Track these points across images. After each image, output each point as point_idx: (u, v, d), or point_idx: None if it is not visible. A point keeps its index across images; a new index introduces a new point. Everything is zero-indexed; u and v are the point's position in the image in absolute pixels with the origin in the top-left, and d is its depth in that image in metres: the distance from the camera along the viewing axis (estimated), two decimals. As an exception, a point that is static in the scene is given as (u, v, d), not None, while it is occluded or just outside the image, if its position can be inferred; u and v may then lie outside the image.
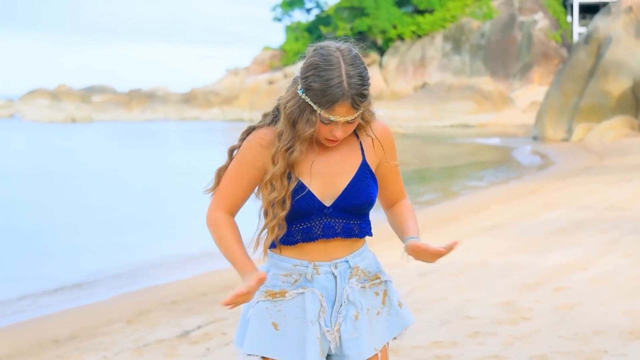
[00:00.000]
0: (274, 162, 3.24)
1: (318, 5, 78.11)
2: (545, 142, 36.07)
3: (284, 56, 74.52)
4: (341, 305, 3.31)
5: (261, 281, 3.14)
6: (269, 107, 3.41)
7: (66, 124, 64.04)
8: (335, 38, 3.37)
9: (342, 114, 3.16)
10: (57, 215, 18.68)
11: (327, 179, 3.29)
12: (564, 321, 7.15)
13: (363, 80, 3.21)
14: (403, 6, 71.69)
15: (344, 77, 3.16)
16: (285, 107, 3.23)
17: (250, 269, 3.23)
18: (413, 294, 8.43)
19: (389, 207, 3.53)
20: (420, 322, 7.14)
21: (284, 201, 3.24)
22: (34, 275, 12.31)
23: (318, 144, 3.30)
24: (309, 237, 3.28)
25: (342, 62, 3.19)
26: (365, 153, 3.34)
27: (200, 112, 70.16)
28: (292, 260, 3.32)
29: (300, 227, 3.29)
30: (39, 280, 11.87)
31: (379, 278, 3.41)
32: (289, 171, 3.24)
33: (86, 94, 74.84)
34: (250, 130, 3.35)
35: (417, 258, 3.35)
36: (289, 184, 3.23)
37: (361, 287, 3.35)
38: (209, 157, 35.16)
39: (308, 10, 78.62)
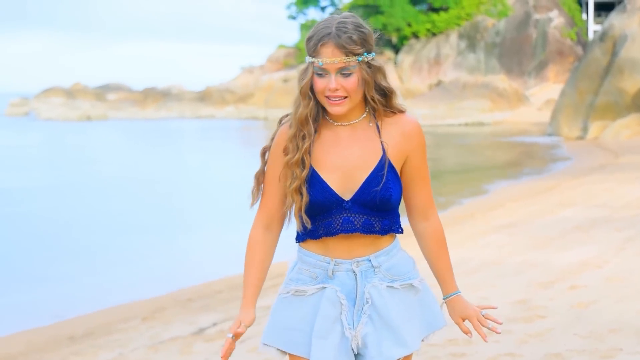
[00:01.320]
0: (285, 151, 3.27)
1: (333, 3, 78.07)
2: (561, 140, 35.96)
3: (299, 54, 74.51)
4: (364, 305, 3.28)
5: (237, 335, 3.26)
6: (283, 105, 3.41)
7: (81, 122, 64.18)
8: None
9: (328, 55, 3.15)
10: (73, 215, 18.71)
11: (346, 173, 3.25)
12: (579, 319, 7.13)
13: (355, 27, 3.19)
14: (418, 4, 71.62)
15: (334, 22, 3.19)
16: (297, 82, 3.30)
17: (245, 307, 3.33)
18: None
19: (419, 221, 3.43)
20: (435, 320, 7.13)
21: (300, 190, 3.24)
22: (51, 274, 12.36)
23: (336, 137, 3.29)
24: (329, 231, 3.26)
25: (336, 16, 3.24)
26: (386, 148, 3.27)
27: (215, 110, 70.19)
28: (316, 255, 3.31)
29: (322, 222, 3.27)
30: (55, 280, 11.92)
31: (409, 279, 3.37)
32: (303, 158, 3.24)
33: (101, 92, 75.01)
34: (278, 128, 3.37)
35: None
36: (302, 172, 3.23)
37: (388, 286, 3.31)
38: (225, 155, 35.18)
39: (323, 8, 78.60)
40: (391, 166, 3.27)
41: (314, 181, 3.25)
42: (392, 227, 3.32)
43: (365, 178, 3.24)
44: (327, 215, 3.27)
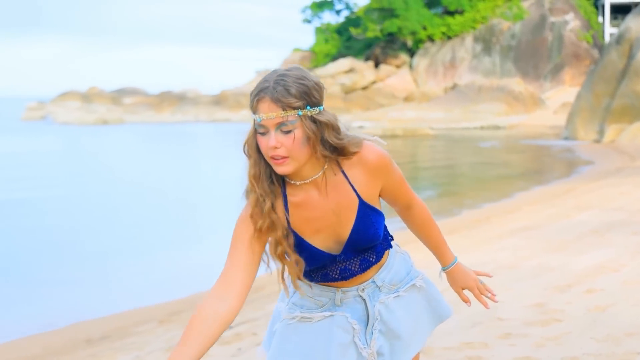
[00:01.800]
0: (253, 218, 3.10)
1: (348, 7, 78.11)
2: (577, 144, 35.86)
3: (314, 58, 74.60)
4: (374, 322, 3.27)
5: None
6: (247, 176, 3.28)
7: (97, 125, 64.38)
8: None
9: (264, 111, 2.93)
10: (90, 220, 18.77)
11: (330, 232, 3.15)
12: (596, 323, 7.11)
13: (295, 79, 2.97)
14: (433, 7, 71.59)
15: (274, 76, 2.99)
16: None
17: None
18: (443, 295, 8.40)
19: (404, 211, 3.41)
20: (452, 324, 7.13)
21: (285, 254, 3.12)
22: (68, 278, 12.40)
23: (306, 196, 3.13)
24: (327, 279, 3.24)
25: (280, 69, 3.04)
26: (358, 190, 3.13)
27: (230, 113, 70.29)
28: (320, 286, 3.29)
29: (318, 274, 3.24)
30: (72, 283, 11.96)
31: (411, 280, 3.39)
32: (273, 220, 3.08)
33: (117, 96, 75.22)
34: None
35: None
36: (281, 235, 3.09)
37: (395, 297, 3.32)
38: (240, 160, 35.26)
39: (338, 12, 78.64)
40: (369, 207, 3.17)
41: (302, 248, 3.14)
42: (385, 247, 3.31)
43: (350, 231, 3.15)
44: (322, 268, 3.22)
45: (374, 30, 68.46)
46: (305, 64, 75.07)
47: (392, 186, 3.23)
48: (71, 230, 17.16)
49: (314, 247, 3.13)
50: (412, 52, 71.55)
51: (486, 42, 69.77)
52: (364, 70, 68.52)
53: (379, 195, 3.24)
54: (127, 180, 26.65)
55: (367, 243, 3.18)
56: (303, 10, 79.58)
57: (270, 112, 2.94)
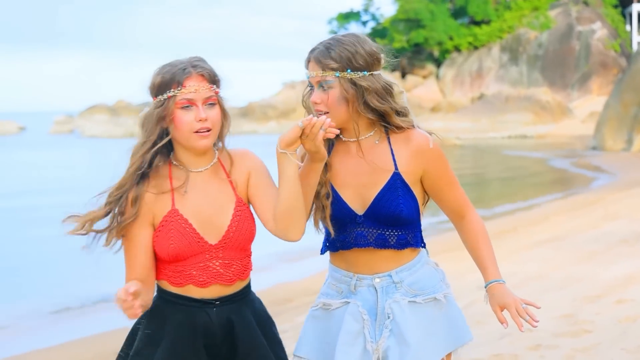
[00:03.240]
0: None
1: (374, 18, 78.17)
2: (605, 153, 35.67)
3: (340, 69, 74.57)
4: (385, 319, 3.30)
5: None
6: None
7: (125, 138, 64.68)
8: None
9: (309, 69, 3.31)
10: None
11: (358, 189, 3.30)
12: (627, 334, 7.06)
13: (341, 44, 3.26)
14: (459, 17, 71.45)
15: (325, 40, 3.32)
16: None
17: None
18: (473, 307, 8.38)
19: (457, 221, 3.46)
20: (481, 335, 7.10)
21: (327, 197, 3.31)
22: (94, 288, 12.45)
23: (347, 152, 3.34)
24: (344, 245, 3.33)
25: (338, 35, 3.35)
26: (398, 163, 3.30)
27: (257, 125, 70.42)
28: (341, 271, 3.38)
29: (338, 237, 3.34)
30: (100, 294, 12.01)
31: (433, 292, 3.38)
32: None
33: (144, 109, 75.42)
34: None
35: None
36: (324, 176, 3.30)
37: (410, 301, 3.33)
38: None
39: (364, 23, 78.70)
40: (403, 182, 3.28)
41: (331, 196, 3.32)
42: (410, 241, 3.34)
43: (376, 194, 3.27)
44: (342, 230, 3.32)
45: (400, 41, 68.41)
46: (331, 75, 75.07)
47: (435, 177, 3.33)
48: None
49: (341, 197, 3.29)
50: (438, 63, 71.43)
51: (513, 52, 69.54)
52: (391, 81, 68.32)
53: (422, 184, 3.35)
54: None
55: (388, 214, 3.25)
56: (329, 22, 79.70)
57: (312, 71, 3.28)
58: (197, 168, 3.31)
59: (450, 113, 61.93)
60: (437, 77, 70.74)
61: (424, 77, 70.96)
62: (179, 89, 3.18)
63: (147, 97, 3.36)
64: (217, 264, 3.25)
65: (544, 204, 20.06)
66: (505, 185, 26.33)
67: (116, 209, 3.27)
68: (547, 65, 67.93)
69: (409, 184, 3.29)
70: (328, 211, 3.30)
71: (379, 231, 3.29)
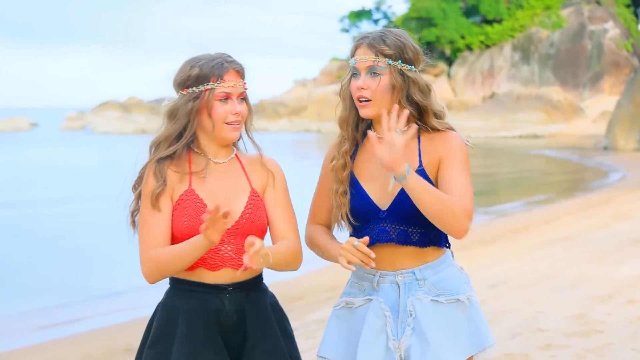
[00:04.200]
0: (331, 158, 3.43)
1: (386, 16, 78.09)
2: (617, 153, 35.59)
3: (352, 67, 74.51)
4: (407, 317, 3.29)
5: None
6: (337, 118, 3.49)
7: (136, 135, 64.78)
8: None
9: (359, 54, 3.34)
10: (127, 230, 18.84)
11: (382, 186, 3.30)
12: (638, 334, 7.04)
13: (394, 34, 3.34)
14: (471, 16, 71.35)
15: (377, 29, 3.41)
16: None
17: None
18: (484, 306, 8.37)
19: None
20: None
21: (345, 194, 3.35)
22: (105, 284, 12.48)
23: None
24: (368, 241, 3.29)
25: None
26: (423, 159, 3.31)
27: (268, 123, 70.41)
28: (364, 268, 3.33)
29: (360, 232, 3.33)
30: (110, 289, 12.03)
31: (457, 294, 3.36)
32: (345, 161, 3.37)
33: (156, 106, 75.46)
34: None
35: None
36: (344, 174, 3.36)
37: (432, 300, 3.31)
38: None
39: (376, 21, 78.62)
40: (427, 179, 3.28)
41: (354, 189, 3.34)
42: (432, 240, 3.33)
43: (399, 190, 3.26)
44: (366, 225, 3.33)
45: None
46: (343, 73, 75.10)
47: (446, 166, 3.29)
48: (108, 240, 17.26)
49: (365, 191, 3.31)
50: (450, 61, 71.33)
51: (525, 51, 69.39)
52: (402, 80, 68.26)
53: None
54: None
55: (411, 210, 3.22)
56: (341, 20, 79.64)
57: (364, 56, 3.30)
58: (216, 158, 3.43)
59: (461, 112, 61.82)
60: (449, 75, 70.65)
61: (436, 75, 70.87)
62: (219, 82, 3.32)
63: (163, 92, 3.47)
64: (229, 249, 3.32)
65: (556, 203, 20.03)
66: (515, 184, 26.28)
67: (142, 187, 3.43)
68: (558, 64, 67.75)
69: (433, 181, 3.29)
70: (344, 209, 3.33)
71: (402, 227, 3.29)
